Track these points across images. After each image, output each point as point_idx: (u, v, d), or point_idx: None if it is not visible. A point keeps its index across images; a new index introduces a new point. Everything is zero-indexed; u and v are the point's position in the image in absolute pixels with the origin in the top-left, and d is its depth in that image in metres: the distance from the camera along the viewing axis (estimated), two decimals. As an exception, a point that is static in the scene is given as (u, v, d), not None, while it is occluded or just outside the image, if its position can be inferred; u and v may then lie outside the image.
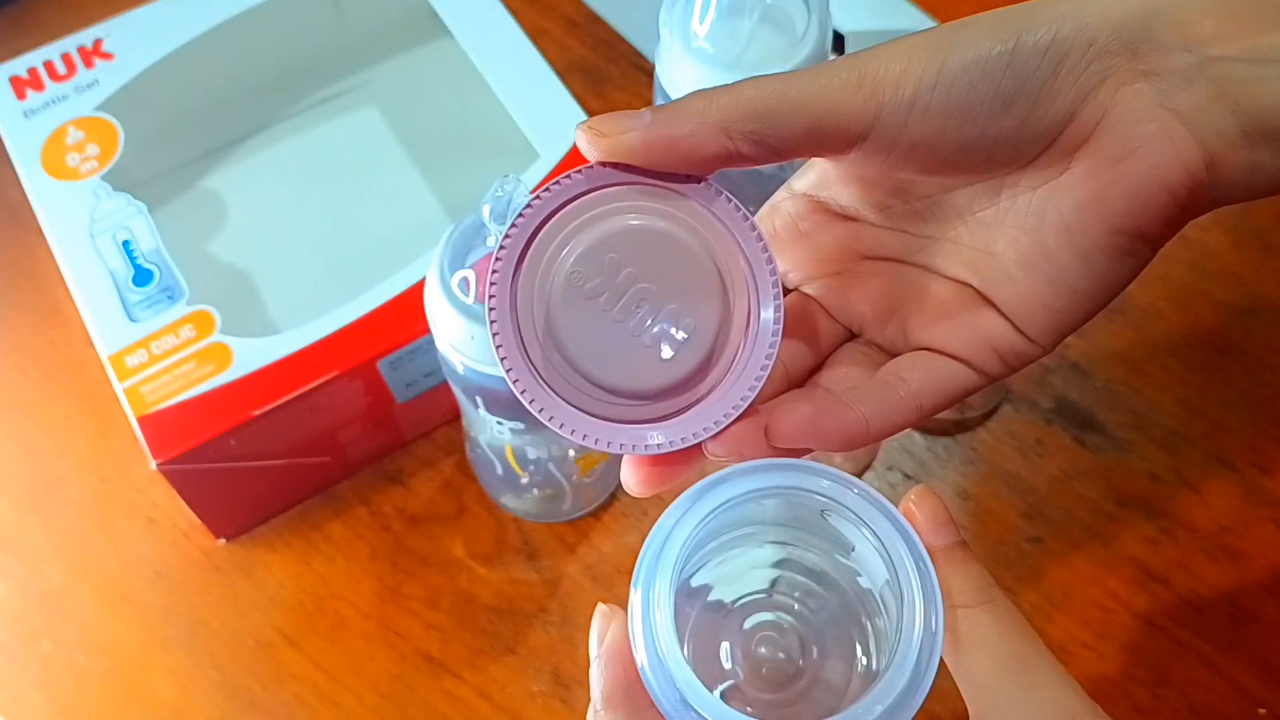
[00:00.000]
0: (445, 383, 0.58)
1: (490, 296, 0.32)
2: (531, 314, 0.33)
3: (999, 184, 0.35)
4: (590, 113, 0.63)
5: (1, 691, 0.59)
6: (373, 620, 0.60)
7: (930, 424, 0.63)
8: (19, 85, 0.65)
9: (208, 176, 0.70)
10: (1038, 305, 0.34)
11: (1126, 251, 0.33)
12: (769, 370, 0.33)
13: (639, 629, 0.31)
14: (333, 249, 0.68)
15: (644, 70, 0.76)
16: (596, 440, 0.33)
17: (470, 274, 0.46)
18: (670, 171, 0.32)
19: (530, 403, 0.32)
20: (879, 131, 0.32)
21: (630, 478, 0.35)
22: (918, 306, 0.36)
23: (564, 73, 0.66)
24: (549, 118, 0.62)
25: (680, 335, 0.33)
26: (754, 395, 0.33)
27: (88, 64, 0.65)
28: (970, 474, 0.62)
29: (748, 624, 0.37)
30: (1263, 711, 0.56)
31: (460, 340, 0.47)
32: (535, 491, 0.60)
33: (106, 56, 0.65)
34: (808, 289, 0.38)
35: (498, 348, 0.32)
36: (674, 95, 0.57)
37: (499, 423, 0.52)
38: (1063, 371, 0.65)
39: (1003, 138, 0.33)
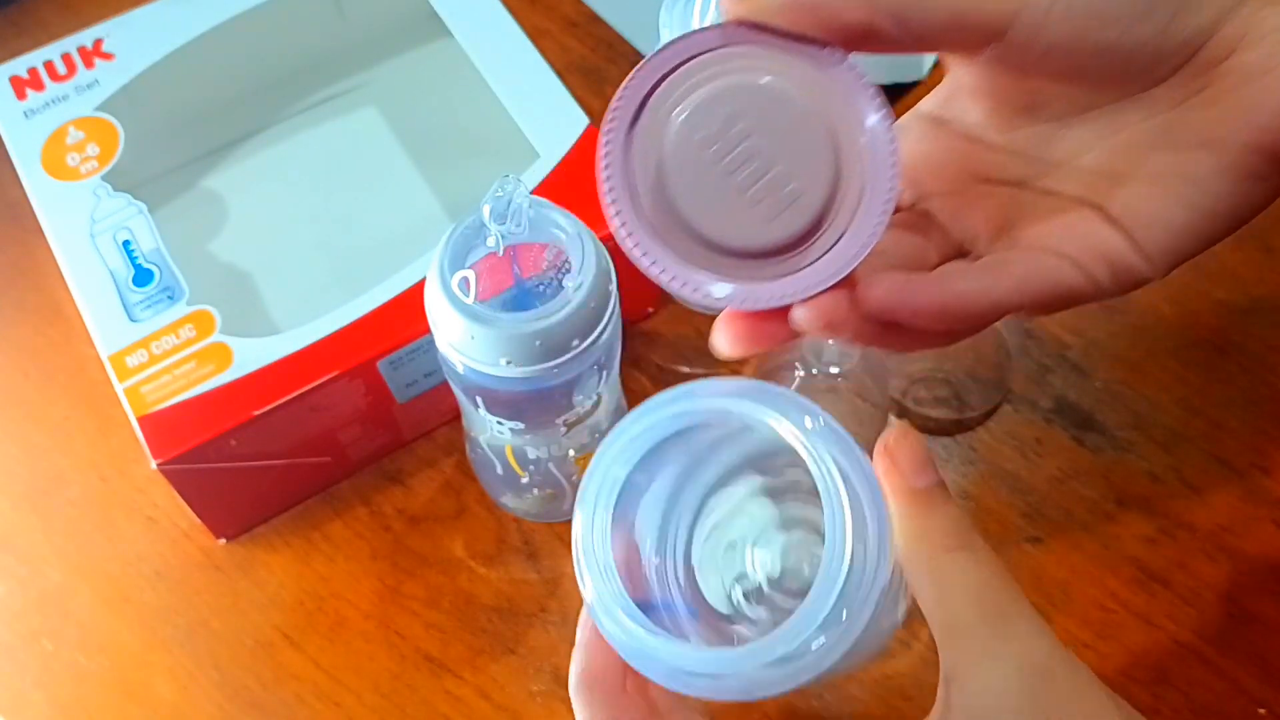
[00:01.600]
0: (445, 383, 0.58)
1: (606, 140, 0.32)
2: (644, 160, 0.33)
3: (1132, 104, 0.34)
4: (590, 113, 0.63)
5: (1, 691, 0.59)
6: (373, 620, 0.60)
7: (929, 424, 0.63)
8: (19, 85, 0.65)
9: (208, 176, 0.70)
10: (1159, 222, 0.34)
11: (1260, 175, 0.33)
12: (869, 248, 0.32)
13: (581, 560, 0.32)
14: (333, 249, 0.68)
15: (644, 70, 0.76)
16: (695, 289, 0.32)
17: (470, 274, 0.46)
18: (808, 37, 0.32)
19: (634, 246, 0.32)
20: (1017, 29, 0.32)
21: (720, 336, 0.34)
22: (1032, 219, 0.35)
23: (564, 73, 0.65)
24: (549, 118, 0.62)
25: (785, 199, 0.32)
26: (849, 270, 0.32)
27: (88, 64, 0.65)
28: (970, 474, 0.63)
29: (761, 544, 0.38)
30: (1263, 711, 0.56)
31: (460, 340, 0.47)
32: (535, 491, 0.60)
33: (107, 56, 0.65)
34: (923, 207, 0.37)
35: (606, 183, 0.32)
36: (674, 95, 0.57)
37: (499, 423, 0.52)
38: (1062, 371, 0.65)
39: (1140, 45, 0.32)
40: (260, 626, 0.60)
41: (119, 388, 0.56)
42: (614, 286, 0.49)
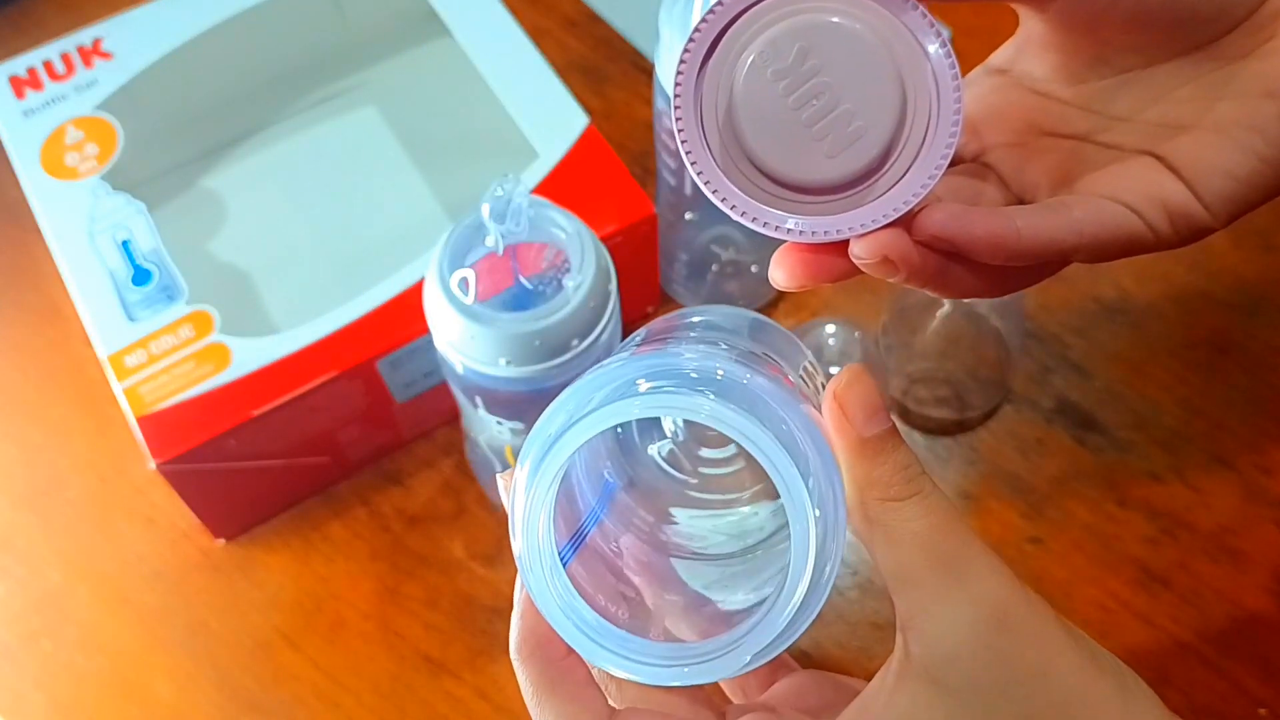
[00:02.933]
0: (445, 383, 0.58)
1: (679, 75, 0.33)
2: (715, 98, 0.34)
3: (1198, 56, 0.34)
4: (590, 112, 0.63)
5: (1, 691, 0.59)
6: (372, 621, 0.60)
7: (930, 424, 0.63)
8: (18, 85, 0.64)
9: (207, 176, 0.70)
10: (1221, 171, 0.34)
11: None
12: (933, 184, 0.33)
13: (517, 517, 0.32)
14: (332, 249, 0.68)
15: (644, 70, 0.76)
16: (765, 224, 0.34)
17: (469, 273, 0.46)
18: None
19: (705, 183, 0.34)
20: None
21: (778, 269, 0.35)
22: (1093, 171, 0.36)
23: (564, 72, 0.65)
24: (549, 117, 0.62)
25: (851, 135, 0.33)
26: (912, 204, 0.33)
27: (87, 64, 0.65)
28: (970, 474, 0.62)
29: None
30: (1263, 711, 0.56)
31: (459, 340, 0.47)
32: (535, 491, 0.60)
33: (106, 56, 0.65)
34: (986, 159, 0.38)
35: (678, 121, 0.33)
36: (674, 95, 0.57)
37: (498, 422, 0.52)
38: (1063, 371, 0.65)
39: None
40: (259, 627, 0.60)
41: (118, 388, 0.56)
42: (613, 286, 0.49)
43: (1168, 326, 0.66)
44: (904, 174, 0.33)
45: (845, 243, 0.34)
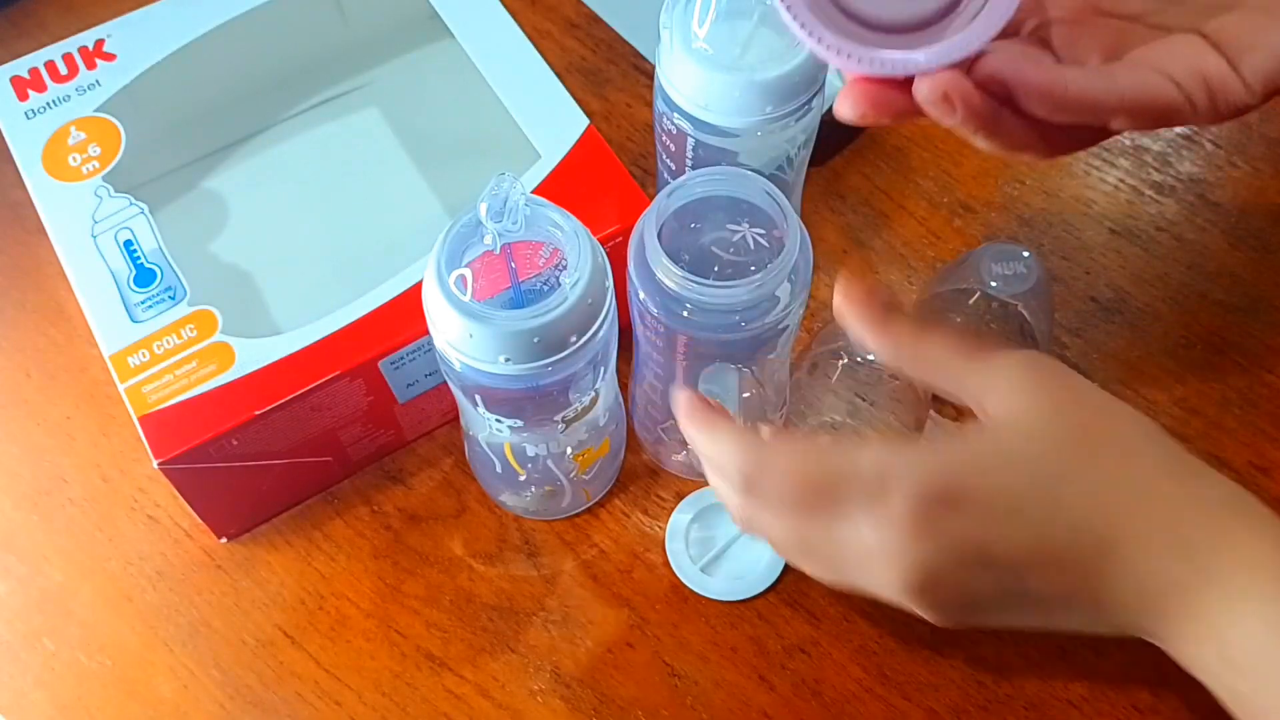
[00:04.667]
0: (446, 382, 0.58)
1: None
2: None
3: None
4: (590, 113, 0.63)
5: (2, 691, 0.59)
6: (374, 619, 0.60)
7: (960, 414, 0.63)
8: (20, 86, 0.65)
9: (209, 177, 0.71)
10: (1262, 47, 0.36)
11: None
12: (997, 29, 0.35)
13: None
14: (334, 249, 0.68)
15: (644, 71, 0.76)
16: (849, 56, 0.37)
17: (467, 272, 0.47)
18: None
19: (799, 26, 0.37)
20: None
21: (845, 101, 0.39)
22: (1140, 45, 0.38)
23: (564, 73, 0.66)
24: (549, 118, 0.62)
25: None
26: (976, 47, 0.35)
27: (89, 65, 0.65)
28: (969, 473, 0.63)
29: None
30: (1261, 710, 0.56)
31: (458, 338, 0.47)
32: (534, 489, 0.60)
33: (108, 57, 0.65)
34: (1044, 33, 0.40)
35: None
36: (674, 97, 0.57)
37: (497, 421, 0.52)
38: (1062, 371, 0.65)
39: None
40: (261, 625, 0.60)
41: (121, 387, 0.56)
42: (610, 283, 0.49)
43: (1165, 326, 0.67)
44: (972, 20, 0.36)
45: (910, 80, 0.37)
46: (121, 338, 0.57)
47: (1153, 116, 0.37)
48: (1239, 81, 0.36)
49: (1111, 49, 0.39)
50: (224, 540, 0.63)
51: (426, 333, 0.50)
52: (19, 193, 0.62)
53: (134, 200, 0.61)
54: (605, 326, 0.49)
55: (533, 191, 0.59)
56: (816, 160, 0.69)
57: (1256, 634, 0.37)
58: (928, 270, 0.68)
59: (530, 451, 0.56)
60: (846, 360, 0.59)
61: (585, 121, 0.62)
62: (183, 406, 0.55)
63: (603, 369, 0.52)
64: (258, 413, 0.55)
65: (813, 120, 0.59)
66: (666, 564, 0.60)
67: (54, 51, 0.66)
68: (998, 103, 0.36)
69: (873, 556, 0.39)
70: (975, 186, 0.71)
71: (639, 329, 0.55)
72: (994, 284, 0.62)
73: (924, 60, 0.36)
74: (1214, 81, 0.36)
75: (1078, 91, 0.36)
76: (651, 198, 0.58)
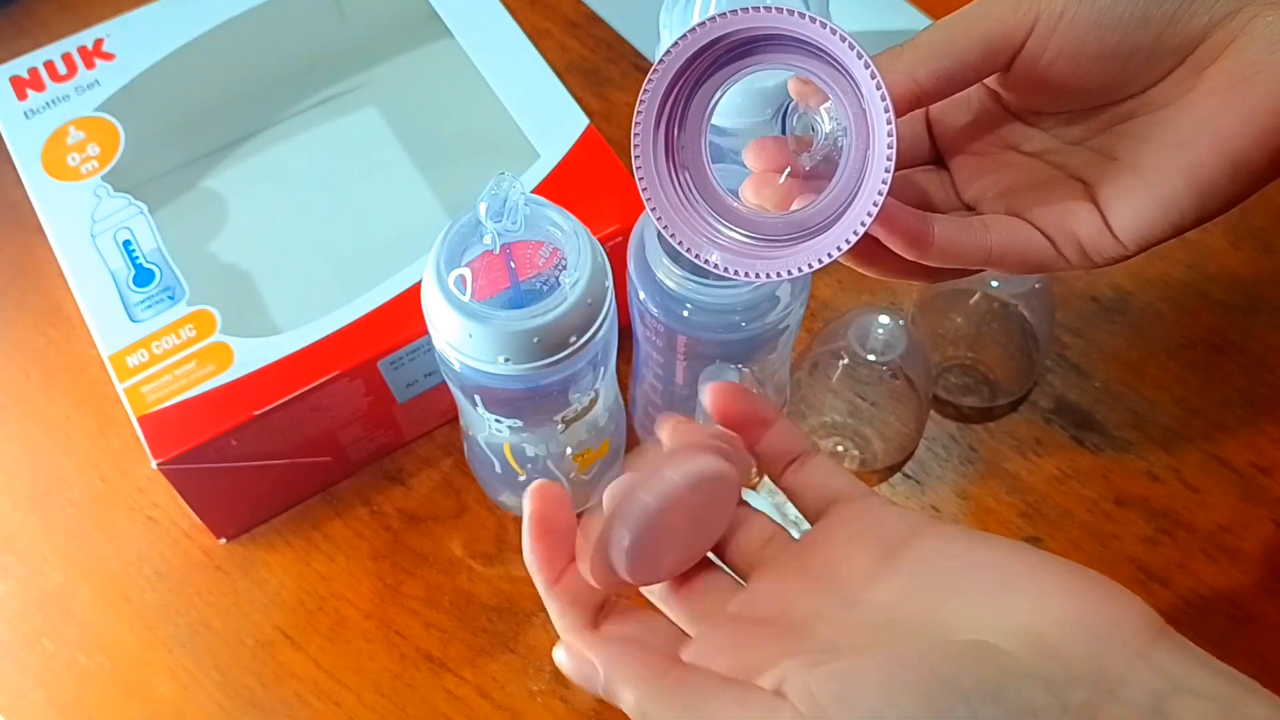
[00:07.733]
0: (445, 382, 0.58)
1: (635, 132, 0.37)
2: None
3: (1133, 102, 0.37)
4: (590, 113, 0.63)
5: (2, 691, 0.59)
6: (373, 619, 0.60)
7: (960, 413, 0.63)
8: (20, 85, 0.65)
9: (208, 177, 0.71)
10: (1132, 208, 0.36)
11: (1230, 177, 0.35)
12: (866, 227, 0.35)
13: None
14: (334, 249, 0.68)
15: (644, 70, 0.76)
16: (716, 264, 0.37)
17: (466, 271, 0.46)
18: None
19: (665, 228, 0.38)
20: (1033, 41, 0.36)
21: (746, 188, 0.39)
22: (1028, 189, 0.39)
23: (564, 73, 0.66)
24: (549, 118, 0.62)
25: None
26: (849, 246, 0.35)
27: (88, 64, 0.65)
28: (969, 473, 0.63)
29: None
30: (1262, 711, 0.56)
31: (458, 338, 0.47)
32: (535, 491, 0.60)
33: (107, 57, 0.65)
34: (950, 161, 0.41)
35: (639, 172, 0.37)
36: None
37: (497, 421, 0.52)
38: (1062, 371, 0.65)
39: (1139, 49, 0.35)
40: (260, 626, 0.60)
41: (119, 387, 0.56)
42: (610, 283, 0.49)
43: (1166, 326, 0.67)
44: (848, 196, 0.36)
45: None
46: (120, 338, 0.57)
47: (1024, 267, 0.38)
48: (1111, 238, 0.37)
49: (1007, 184, 0.39)
50: (223, 541, 0.62)
51: (426, 333, 0.50)
52: (18, 192, 0.62)
53: (133, 200, 0.61)
54: (605, 326, 0.49)
55: (532, 191, 0.59)
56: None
57: None
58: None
59: (530, 452, 0.56)
60: (847, 360, 0.59)
61: (585, 121, 0.62)
62: (182, 407, 0.55)
63: (602, 369, 0.52)
64: (257, 413, 0.55)
65: (813, 120, 0.59)
66: (666, 564, 0.60)
67: (53, 51, 0.66)
68: (868, 242, 0.36)
69: None
70: (975, 186, 0.71)
71: (639, 329, 0.55)
72: (995, 283, 0.62)
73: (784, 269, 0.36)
74: (1086, 237, 0.37)
75: (944, 245, 0.36)
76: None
